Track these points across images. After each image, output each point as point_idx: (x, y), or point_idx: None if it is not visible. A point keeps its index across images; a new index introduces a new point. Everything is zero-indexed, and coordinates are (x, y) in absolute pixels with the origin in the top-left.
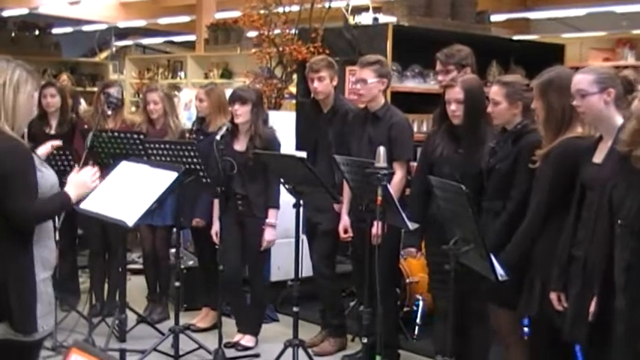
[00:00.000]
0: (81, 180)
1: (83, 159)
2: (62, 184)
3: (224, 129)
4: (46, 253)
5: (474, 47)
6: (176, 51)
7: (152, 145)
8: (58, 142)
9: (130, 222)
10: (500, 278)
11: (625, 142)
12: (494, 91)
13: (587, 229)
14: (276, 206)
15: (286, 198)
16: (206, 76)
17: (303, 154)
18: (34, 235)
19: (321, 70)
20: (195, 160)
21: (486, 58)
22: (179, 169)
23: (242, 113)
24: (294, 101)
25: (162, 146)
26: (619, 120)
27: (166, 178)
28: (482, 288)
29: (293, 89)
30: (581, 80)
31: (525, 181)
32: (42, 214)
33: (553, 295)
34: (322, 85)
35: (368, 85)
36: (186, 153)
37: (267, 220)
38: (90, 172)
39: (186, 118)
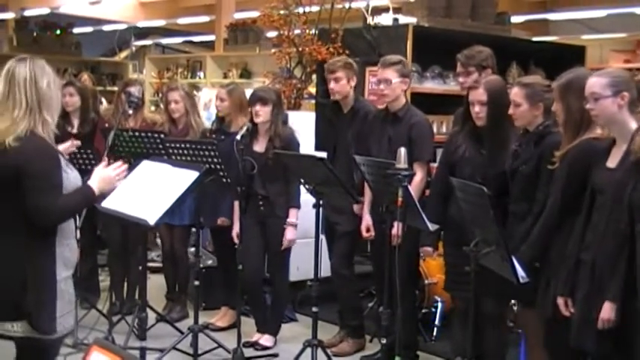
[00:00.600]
0: (106, 175)
1: (105, 158)
2: (84, 183)
3: (244, 129)
4: (67, 252)
5: (494, 48)
6: (195, 51)
7: (173, 145)
8: (77, 142)
9: (152, 220)
10: (521, 280)
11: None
12: (515, 93)
13: (596, 232)
14: (297, 206)
15: (305, 198)
16: (225, 76)
17: (322, 155)
18: (57, 234)
19: (337, 71)
20: (215, 159)
21: (506, 60)
22: (200, 169)
23: (263, 114)
24: (313, 101)
25: (183, 145)
26: (633, 124)
27: (187, 177)
28: (502, 288)
29: (312, 90)
30: (594, 83)
31: (549, 183)
32: (66, 209)
33: (560, 300)
34: (338, 85)
35: (392, 85)
36: (207, 153)
37: (289, 220)
38: (116, 168)
39: (205, 117)
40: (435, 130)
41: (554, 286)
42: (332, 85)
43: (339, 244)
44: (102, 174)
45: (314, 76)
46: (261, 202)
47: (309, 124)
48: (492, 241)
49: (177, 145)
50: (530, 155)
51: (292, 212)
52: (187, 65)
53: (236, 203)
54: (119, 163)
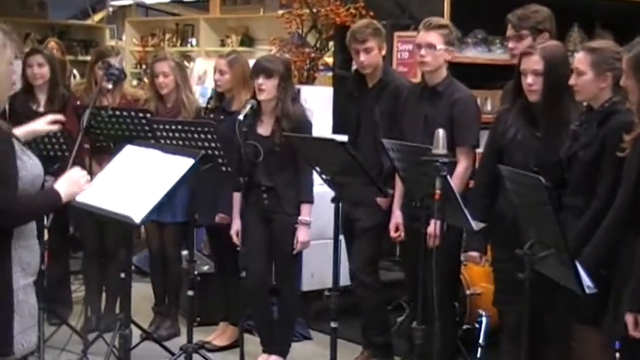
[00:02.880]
0: (74, 177)
1: (78, 142)
2: (55, 173)
3: (248, 107)
4: (25, 255)
5: (552, 8)
6: (186, 13)
7: (162, 126)
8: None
9: (137, 218)
10: (587, 291)
11: None
12: (579, 59)
13: None
14: (310, 200)
15: (319, 190)
16: (222, 44)
17: (342, 138)
18: (12, 234)
19: (368, 40)
20: (214, 144)
21: (566, 22)
22: (196, 155)
23: (267, 88)
24: (330, 74)
25: (174, 127)
26: None
27: (180, 165)
28: (560, 301)
29: (329, 59)
30: None
31: (613, 173)
32: (24, 211)
33: (629, 318)
34: (370, 57)
35: (436, 52)
36: (203, 136)
37: (301, 217)
38: (82, 172)
39: (198, 94)
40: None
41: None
42: (362, 57)
43: (361, 245)
44: (69, 176)
45: (331, 43)
46: (265, 195)
47: (326, 101)
48: (551, 242)
49: (167, 127)
50: (592, 138)
51: (305, 208)
52: (176, 30)
53: (236, 196)
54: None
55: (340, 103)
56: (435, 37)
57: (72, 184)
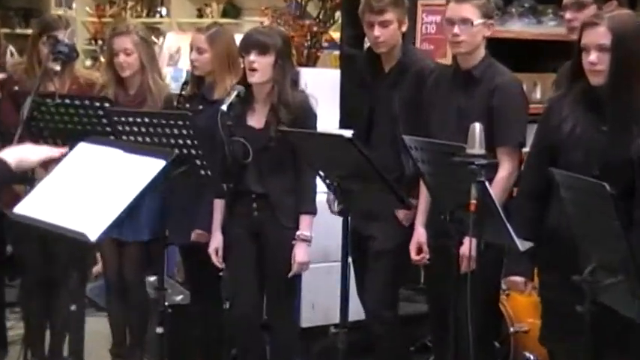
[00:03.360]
0: (23, 149)
1: (17, 138)
2: None
3: (234, 94)
4: None
5: None
6: None
7: (124, 119)
8: None
9: (93, 235)
10: None
11: None
12: None
13: None
14: (312, 211)
15: (323, 198)
16: (200, 14)
17: (350, 132)
18: None
19: (385, 11)
20: (190, 141)
21: None
22: (167, 155)
23: (261, 67)
24: (336, 53)
25: (139, 120)
26: None
27: (148, 168)
28: (631, 342)
29: (335, 35)
30: None
31: None
32: None
33: None
34: (387, 32)
35: (473, 28)
36: (176, 131)
37: (299, 232)
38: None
39: (170, 77)
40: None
41: None
42: (377, 32)
43: (377, 270)
44: (17, 148)
45: (338, 14)
46: (255, 205)
47: (331, 88)
48: (618, 267)
49: (130, 120)
50: None
51: (305, 221)
52: None
53: (217, 203)
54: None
55: (349, 90)
56: (470, 10)
57: (23, 150)
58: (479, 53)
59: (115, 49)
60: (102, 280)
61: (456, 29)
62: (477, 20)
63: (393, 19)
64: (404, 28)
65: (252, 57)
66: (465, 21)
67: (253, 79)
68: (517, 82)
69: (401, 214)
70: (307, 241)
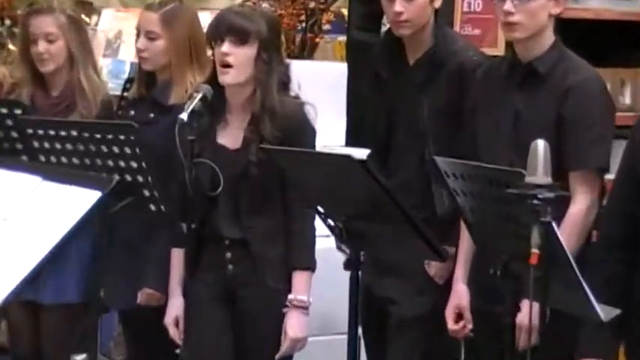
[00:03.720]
0: None
1: None
2: None
3: (197, 98)
4: None
5: None
6: None
7: (42, 132)
8: None
9: None
10: None
11: None
12: None
13: None
14: (309, 266)
15: (324, 245)
16: None
17: (364, 152)
18: None
19: None
20: (135, 164)
21: None
22: (104, 184)
23: (238, 63)
24: (342, 39)
25: (64, 133)
26: None
27: (76, 202)
28: None
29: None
30: None
31: None
32: None
33: None
34: (413, 6)
35: (532, 2)
36: (117, 149)
37: (292, 297)
38: None
39: (107, 72)
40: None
41: None
42: (399, 5)
43: (399, 348)
44: None
45: None
46: (228, 255)
47: (335, 87)
48: None
49: (52, 133)
50: None
51: (299, 280)
52: None
53: (176, 255)
54: None
55: (360, 92)
56: None
57: None
58: (544, 39)
59: (32, 33)
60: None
61: (507, 4)
62: None
63: None
64: (437, 4)
65: (226, 47)
66: None
67: (226, 78)
68: (598, 82)
69: (432, 268)
70: (303, 308)
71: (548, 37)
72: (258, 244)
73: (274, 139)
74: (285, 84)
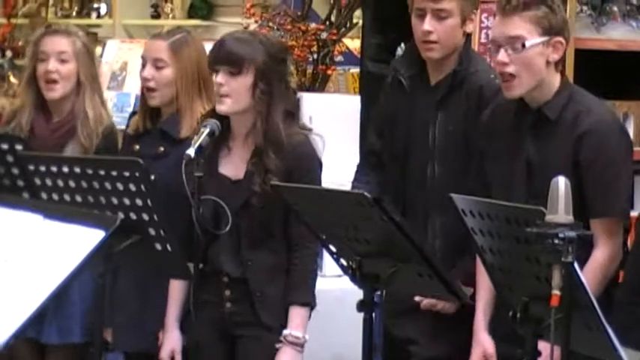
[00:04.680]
0: None
1: None
2: None
3: (204, 134)
4: None
5: None
6: None
7: (44, 168)
8: None
9: None
10: None
11: None
12: None
13: None
14: (307, 302)
15: (335, 285)
16: (156, 12)
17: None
18: None
19: None
20: (141, 201)
21: None
22: (108, 223)
23: (233, 92)
24: (355, 70)
25: (66, 169)
26: None
27: (79, 241)
28: None
29: (353, 43)
30: None
31: None
32: None
33: None
34: (443, 28)
35: (526, 51)
36: (122, 186)
37: (287, 332)
38: None
39: (113, 105)
40: (630, 134)
41: None
42: (429, 24)
43: None
44: None
45: (358, 14)
46: (227, 293)
47: (347, 120)
48: None
49: (55, 170)
50: None
51: (295, 315)
52: None
53: (175, 288)
54: None
55: (373, 120)
56: (520, 25)
57: None
58: (549, 85)
59: (43, 52)
60: None
61: (501, 54)
62: (532, 39)
63: (454, 10)
64: (469, 28)
65: (220, 77)
66: (514, 41)
67: (222, 107)
68: (613, 123)
69: (449, 309)
70: (298, 344)
71: (553, 83)
72: (257, 280)
73: (279, 171)
74: (290, 114)
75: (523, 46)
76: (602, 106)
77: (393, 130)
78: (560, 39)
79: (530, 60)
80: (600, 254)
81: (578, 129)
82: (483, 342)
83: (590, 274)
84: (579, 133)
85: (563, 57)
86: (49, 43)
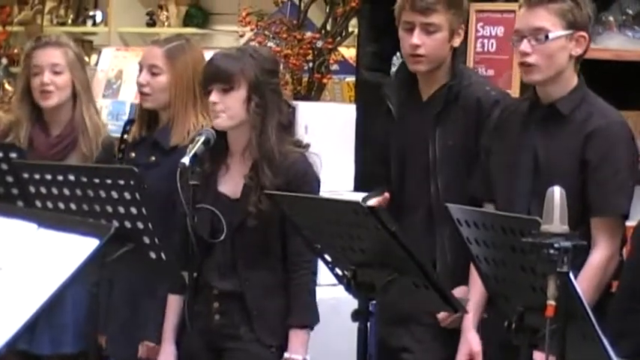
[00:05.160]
0: None
1: None
2: None
3: (199, 142)
4: None
5: None
6: None
7: (39, 176)
8: None
9: None
10: None
11: None
12: None
13: None
14: (307, 324)
15: (329, 294)
16: (151, 20)
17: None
18: None
19: (434, 11)
20: (135, 210)
21: None
22: (103, 231)
23: (227, 108)
24: (350, 79)
25: (61, 178)
26: None
27: (73, 250)
28: None
29: (349, 52)
30: None
31: None
32: None
33: None
34: (432, 41)
35: (549, 43)
36: (116, 194)
37: (287, 356)
38: None
39: (108, 113)
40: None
41: None
42: (418, 38)
43: None
44: None
45: (353, 23)
46: (217, 305)
47: (343, 130)
48: None
49: (49, 177)
50: None
51: (297, 338)
52: None
53: (172, 302)
54: None
55: (369, 132)
56: (544, 17)
57: None
58: (565, 81)
59: (36, 65)
60: None
61: (524, 44)
62: (556, 31)
63: (442, 25)
64: (457, 42)
65: (214, 96)
66: (538, 32)
67: (218, 122)
68: (623, 126)
69: (445, 318)
70: None
71: (570, 79)
72: (255, 298)
73: (275, 188)
74: (284, 128)
75: (546, 37)
76: (615, 111)
77: (388, 155)
78: (584, 34)
79: (552, 52)
80: (598, 255)
81: (589, 127)
82: (470, 340)
83: (588, 276)
84: (588, 132)
85: (584, 53)
86: (42, 55)
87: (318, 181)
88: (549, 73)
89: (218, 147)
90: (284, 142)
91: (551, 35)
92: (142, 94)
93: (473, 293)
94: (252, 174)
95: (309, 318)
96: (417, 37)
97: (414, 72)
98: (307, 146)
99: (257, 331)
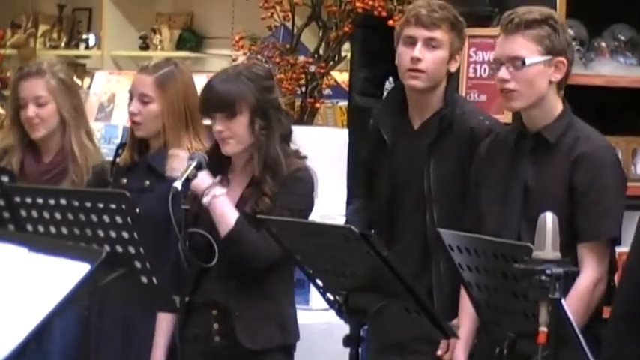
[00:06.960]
0: None
1: None
2: None
3: (191, 167)
4: None
5: None
6: None
7: (31, 200)
8: None
9: None
10: None
11: None
12: None
13: None
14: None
15: (321, 319)
16: (144, 44)
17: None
18: None
19: (438, 27)
20: (127, 234)
21: None
22: (94, 256)
23: (234, 134)
24: (343, 104)
25: (53, 202)
26: None
27: (64, 274)
28: None
29: (341, 77)
30: None
31: None
32: None
33: None
34: (433, 57)
35: (526, 69)
36: (108, 218)
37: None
38: None
39: (100, 137)
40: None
41: None
42: (418, 52)
43: None
44: None
45: (346, 47)
46: (216, 326)
47: (335, 154)
48: None
49: (41, 202)
50: None
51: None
52: (59, 18)
53: (162, 321)
54: None
55: (361, 156)
56: (521, 43)
57: None
58: (549, 108)
59: (22, 98)
60: None
61: (502, 71)
62: (533, 58)
63: (444, 42)
64: (453, 67)
65: (218, 125)
66: (515, 59)
67: (228, 149)
68: (610, 151)
69: (443, 347)
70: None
71: (555, 106)
72: (247, 315)
73: (273, 194)
74: (284, 138)
75: (523, 63)
76: (599, 136)
77: (375, 181)
78: (562, 59)
79: (530, 78)
80: (585, 279)
81: (575, 152)
82: (458, 356)
83: (576, 300)
84: (575, 157)
85: (566, 79)
86: (25, 88)
87: (312, 188)
88: (530, 99)
89: (218, 163)
90: (288, 155)
91: (527, 61)
92: (133, 122)
93: (464, 322)
94: (251, 188)
95: (292, 332)
96: (418, 51)
97: (410, 88)
98: (305, 157)
99: (248, 345)
